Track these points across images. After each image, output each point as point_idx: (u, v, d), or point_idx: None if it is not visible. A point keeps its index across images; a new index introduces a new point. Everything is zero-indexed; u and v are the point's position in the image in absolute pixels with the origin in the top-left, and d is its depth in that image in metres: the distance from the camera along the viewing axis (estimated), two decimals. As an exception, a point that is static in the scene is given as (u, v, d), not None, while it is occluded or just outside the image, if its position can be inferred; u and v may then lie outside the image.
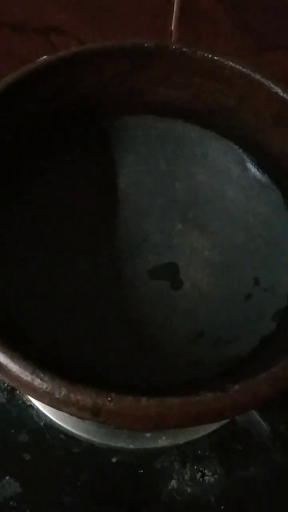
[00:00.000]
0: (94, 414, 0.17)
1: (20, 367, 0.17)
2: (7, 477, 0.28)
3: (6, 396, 0.29)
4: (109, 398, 0.17)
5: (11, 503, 0.27)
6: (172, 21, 0.41)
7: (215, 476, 0.28)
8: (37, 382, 0.17)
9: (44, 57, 0.25)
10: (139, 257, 0.28)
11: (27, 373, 0.17)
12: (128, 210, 0.30)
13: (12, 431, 0.29)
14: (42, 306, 0.24)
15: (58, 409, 0.17)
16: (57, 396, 0.17)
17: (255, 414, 0.24)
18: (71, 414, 0.17)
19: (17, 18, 0.44)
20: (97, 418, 0.17)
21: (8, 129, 0.25)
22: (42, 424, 0.29)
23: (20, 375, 0.17)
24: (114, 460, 0.28)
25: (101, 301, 0.26)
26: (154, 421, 0.17)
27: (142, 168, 0.30)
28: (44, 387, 0.17)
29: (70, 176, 0.29)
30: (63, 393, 0.17)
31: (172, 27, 0.42)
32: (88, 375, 0.21)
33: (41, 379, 0.17)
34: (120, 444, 0.28)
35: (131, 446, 0.28)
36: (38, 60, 0.25)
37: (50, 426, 0.29)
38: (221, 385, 0.17)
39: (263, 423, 0.24)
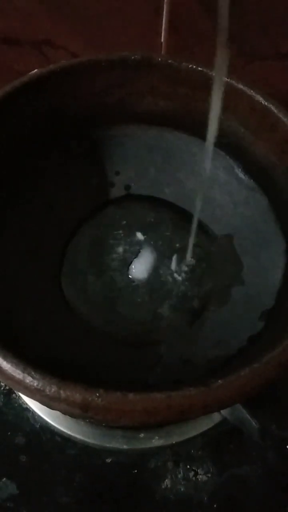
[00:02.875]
0: (83, 410, 0.18)
1: (12, 365, 0.18)
2: (4, 479, 0.28)
3: (2, 399, 0.30)
4: (97, 394, 0.18)
5: (8, 504, 0.28)
6: (161, 33, 0.43)
7: (208, 475, 0.29)
8: (28, 379, 0.18)
9: (35, 70, 0.26)
10: (138, 262, 0.29)
11: (19, 371, 0.18)
12: (120, 216, 0.31)
13: (9, 433, 0.29)
14: (38, 309, 0.25)
15: (49, 406, 0.18)
16: (47, 393, 0.18)
17: (244, 412, 0.25)
18: (61, 410, 0.18)
19: (10, 31, 0.45)
20: (86, 414, 0.18)
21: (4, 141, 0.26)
22: (38, 426, 0.30)
23: (12, 373, 0.18)
24: (108, 460, 0.29)
25: (94, 301, 0.27)
26: (141, 416, 0.18)
27: (133, 175, 0.32)
28: (35, 384, 0.18)
29: (62, 187, 0.29)
30: (53, 389, 0.18)
31: (162, 39, 0.43)
32: (79, 374, 0.22)
33: (32, 376, 0.18)
34: (114, 444, 0.29)
35: (125, 447, 0.29)
36: (29, 73, 0.26)
37: (46, 428, 0.29)
38: (205, 381, 0.18)
39: (252, 421, 0.25)
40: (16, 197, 0.27)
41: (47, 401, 0.18)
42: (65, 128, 0.29)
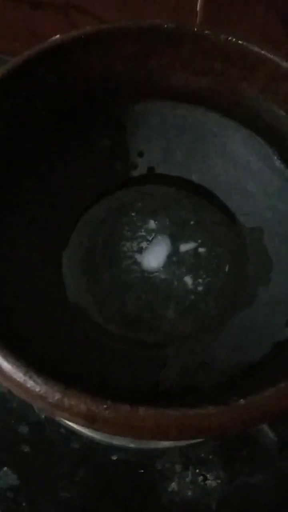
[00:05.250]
0: (88, 421, 0.16)
1: (13, 367, 0.17)
2: (5, 468, 0.27)
3: (7, 387, 0.29)
4: (105, 406, 0.16)
5: (7, 494, 0.27)
6: (197, 1, 0.39)
7: (218, 481, 0.27)
8: (30, 384, 0.16)
9: (56, 36, 0.24)
10: (152, 250, 0.27)
11: (20, 374, 0.17)
12: (141, 202, 0.29)
13: (12, 422, 0.28)
14: (44, 309, 0.23)
15: (52, 413, 0.17)
16: (50, 400, 0.16)
17: (263, 424, 0.23)
18: (65, 419, 0.16)
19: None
20: (92, 425, 0.16)
21: (19, 112, 0.24)
22: (43, 417, 0.28)
23: (13, 376, 0.17)
24: (114, 458, 0.28)
25: (103, 302, 0.25)
26: (151, 433, 0.16)
27: (158, 157, 0.29)
28: (37, 390, 0.16)
29: (81, 169, 0.27)
30: (56, 397, 0.16)
31: (198, 8, 0.40)
32: (83, 376, 0.20)
33: (34, 381, 0.16)
34: (121, 442, 0.28)
35: (131, 445, 0.28)
36: (51, 39, 0.24)
37: (51, 419, 0.28)
38: (225, 398, 0.16)
39: (270, 433, 0.23)
40: (30, 175, 0.25)
41: (49, 409, 0.16)
42: (85, 102, 0.27)
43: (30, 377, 0.16)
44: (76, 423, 0.16)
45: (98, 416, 0.16)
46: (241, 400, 0.16)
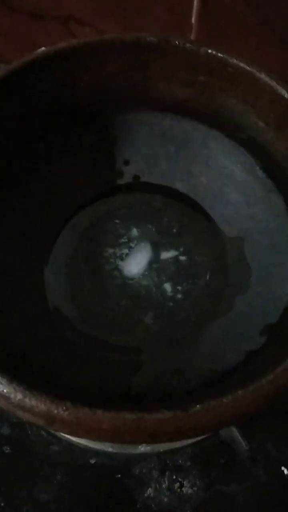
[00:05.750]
0: (48, 422, 0.17)
1: (-22, 367, 0.17)
2: (-14, 468, 0.28)
3: (-10, 388, 0.30)
4: (64, 407, 0.16)
5: (-13, 494, 0.27)
6: (192, 14, 0.40)
7: (194, 488, 0.27)
8: (-6, 384, 0.17)
9: (42, 48, 0.24)
10: (133, 257, 0.28)
11: (-15, 375, 0.17)
12: (126, 209, 0.29)
13: (-6, 423, 0.29)
14: (23, 311, 0.24)
15: (14, 413, 0.17)
16: (12, 401, 0.17)
17: (234, 430, 0.23)
18: (26, 419, 0.17)
19: (38, 6, 0.43)
20: (51, 426, 0.17)
21: (2, 120, 0.25)
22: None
23: (-22, 376, 0.17)
24: (92, 461, 0.28)
25: (82, 306, 0.26)
26: (108, 435, 0.16)
27: (143, 166, 0.30)
28: (0, 389, 0.17)
29: (67, 175, 0.28)
30: (18, 397, 0.17)
31: (193, 21, 0.40)
32: (55, 378, 0.20)
33: (-2, 381, 0.17)
34: (100, 446, 0.28)
35: (110, 449, 0.28)
36: (36, 51, 0.25)
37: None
38: (182, 404, 0.17)
39: (242, 441, 0.23)
40: (15, 181, 0.26)
41: (12, 408, 0.17)
42: (72, 112, 0.27)
43: (-6, 378, 0.17)
44: (37, 423, 0.17)
45: (57, 417, 0.16)
46: (198, 405, 0.16)
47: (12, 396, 0.17)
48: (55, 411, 0.16)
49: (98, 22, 0.44)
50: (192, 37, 0.41)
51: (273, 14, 0.37)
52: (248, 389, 0.17)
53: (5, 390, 0.17)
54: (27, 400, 0.17)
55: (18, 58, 0.25)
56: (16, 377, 0.17)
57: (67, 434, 0.17)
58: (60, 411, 0.16)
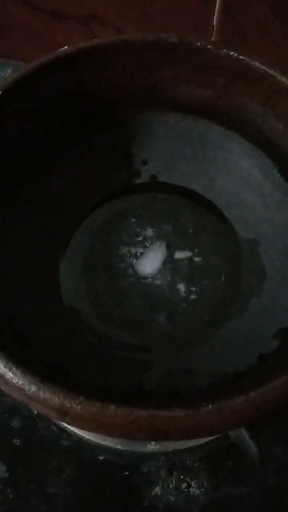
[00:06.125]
0: (61, 415, 0.17)
1: (-5, 358, 0.18)
2: (-4, 460, 0.28)
3: (3, 381, 0.30)
4: (77, 401, 0.17)
5: (-4, 485, 0.28)
6: (214, 15, 0.40)
7: (201, 489, 0.27)
8: (9, 375, 0.17)
9: (64, 47, 0.25)
10: (148, 256, 0.28)
11: (1, 366, 0.17)
12: (142, 208, 0.29)
13: (6, 415, 0.29)
14: (38, 308, 0.24)
15: (27, 404, 0.17)
16: (26, 392, 0.17)
17: (244, 432, 0.23)
18: (39, 411, 0.17)
19: (59, 5, 0.44)
20: (64, 419, 0.17)
21: (25, 118, 0.25)
22: (35, 412, 0.29)
23: (-6, 367, 0.17)
24: (101, 458, 0.28)
25: (96, 304, 0.26)
26: (119, 431, 0.16)
27: (160, 166, 0.30)
28: (15, 381, 0.17)
29: (85, 173, 0.28)
30: (32, 389, 0.17)
31: (214, 21, 0.40)
32: (68, 374, 0.21)
33: (13, 373, 0.17)
34: (109, 443, 0.28)
35: (119, 447, 0.28)
36: (58, 50, 0.25)
37: (43, 416, 0.29)
38: (194, 403, 0.17)
39: (251, 443, 0.23)
40: (32, 179, 0.27)
41: (26, 400, 0.17)
42: (92, 111, 0.28)
43: (10, 369, 0.17)
44: (50, 416, 0.17)
45: (70, 410, 0.17)
46: (210, 405, 0.16)
47: (27, 388, 0.17)
48: (68, 405, 0.17)
49: (119, 22, 0.44)
50: (213, 38, 0.41)
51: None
52: (261, 391, 0.17)
53: (19, 382, 0.17)
54: (41, 392, 0.17)
55: (40, 57, 0.26)
56: (30, 369, 0.17)
57: (79, 427, 0.17)
58: (73, 404, 0.17)
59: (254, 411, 0.17)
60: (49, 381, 0.17)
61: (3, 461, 0.28)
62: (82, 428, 0.17)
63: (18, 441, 0.29)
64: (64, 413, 0.17)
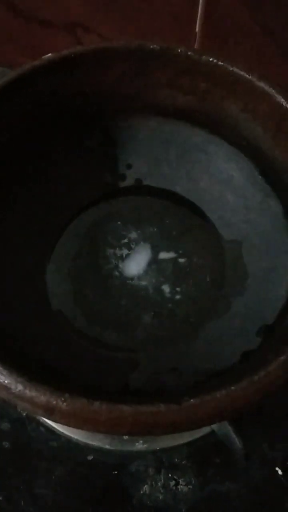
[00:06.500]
0: (47, 412, 0.17)
1: (-19, 358, 0.18)
2: (-15, 463, 0.28)
3: (-8, 384, 0.30)
4: (63, 398, 0.17)
5: (-15, 488, 0.28)
6: (196, 22, 0.41)
7: (189, 487, 0.28)
8: (-4, 375, 0.18)
9: (48, 54, 0.25)
10: (133, 258, 0.28)
11: (-13, 365, 0.18)
12: (127, 211, 0.30)
13: (-5, 418, 0.29)
14: (25, 308, 0.24)
15: (14, 403, 0.18)
16: (13, 391, 0.17)
17: (229, 429, 0.24)
18: (25, 410, 0.18)
19: (45, 13, 0.44)
20: (50, 417, 0.17)
21: (7, 127, 0.26)
22: (24, 415, 0.30)
23: (-20, 367, 0.18)
24: (90, 458, 0.29)
25: (82, 305, 0.26)
26: (104, 426, 0.17)
27: (145, 170, 0.30)
28: (1, 380, 0.18)
29: (70, 177, 0.29)
30: (19, 388, 0.17)
31: (197, 29, 0.41)
32: (54, 373, 0.21)
33: (0, 372, 0.18)
34: (97, 443, 0.28)
35: (107, 447, 0.28)
36: (43, 57, 0.26)
37: (32, 418, 0.29)
38: (177, 398, 0.17)
39: (236, 439, 0.23)
40: (18, 182, 0.27)
41: (12, 399, 0.18)
42: (76, 117, 0.28)
43: (-4, 369, 0.18)
44: (37, 414, 0.18)
45: (56, 407, 0.17)
46: (191, 400, 0.17)
47: (13, 387, 0.17)
48: (54, 402, 0.17)
49: (103, 29, 0.45)
50: (196, 45, 0.42)
51: (277, 24, 0.38)
52: (241, 385, 0.18)
53: (6, 381, 0.17)
54: (27, 391, 0.17)
55: (25, 64, 0.26)
56: (17, 369, 0.18)
57: (65, 424, 0.17)
58: (59, 402, 0.17)
59: (235, 404, 0.17)
60: (35, 380, 0.17)
61: (-8, 463, 0.28)
62: (68, 425, 0.17)
63: (7, 443, 0.29)
64: (50, 411, 0.17)
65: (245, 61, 0.28)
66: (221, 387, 0.18)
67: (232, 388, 0.17)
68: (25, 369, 0.18)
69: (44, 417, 0.17)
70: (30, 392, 0.17)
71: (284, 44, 0.39)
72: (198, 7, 0.40)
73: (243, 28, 0.40)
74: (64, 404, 0.17)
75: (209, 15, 0.40)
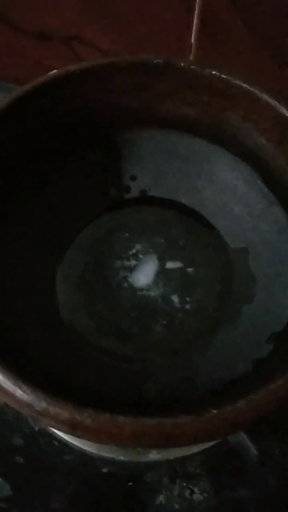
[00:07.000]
0: (71, 429, 0.17)
1: (3, 376, 0.18)
2: (-1, 479, 0.28)
3: (3, 399, 0.30)
4: (86, 414, 0.17)
5: (1, 505, 0.28)
6: (192, 33, 0.41)
7: (204, 495, 0.28)
8: (19, 393, 0.18)
9: (54, 71, 0.26)
10: (141, 269, 0.29)
11: (10, 383, 0.18)
12: (133, 222, 0.30)
13: (7, 433, 0.29)
14: (36, 322, 0.24)
15: (38, 420, 0.18)
16: (36, 409, 0.17)
17: (244, 437, 0.24)
18: (50, 426, 0.18)
19: (40, 26, 0.45)
20: (75, 433, 0.17)
21: (12, 142, 0.26)
22: (36, 429, 0.30)
23: (3, 385, 0.18)
24: (104, 470, 0.29)
25: (93, 317, 0.26)
26: (129, 440, 0.17)
27: (149, 181, 0.31)
28: (25, 398, 0.18)
29: (75, 190, 0.29)
30: (42, 405, 0.17)
31: (192, 40, 0.42)
32: (71, 386, 0.21)
33: (23, 390, 0.18)
34: (111, 454, 0.29)
35: (121, 458, 0.28)
36: (48, 73, 0.26)
37: (44, 432, 0.29)
38: (199, 409, 0.17)
39: (252, 446, 0.24)
40: (26, 196, 0.27)
41: (36, 416, 0.18)
42: (80, 130, 0.29)
43: (19, 387, 0.18)
44: (61, 430, 0.18)
45: (80, 423, 0.17)
46: (213, 410, 0.17)
47: (36, 404, 0.17)
48: (79, 418, 0.17)
49: (99, 41, 0.45)
50: (192, 56, 0.42)
51: (273, 34, 0.39)
52: (260, 394, 0.18)
53: (29, 399, 0.18)
54: (51, 407, 0.17)
55: (32, 80, 0.26)
56: (40, 386, 0.18)
57: (89, 440, 0.17)
58: (83, 418, 0.17)
59: (255, 413, 0.17)
60: (58, 396, 0.18)
61: (6, 479, 0.28)
62: (92, 441, 0.17)
63: (21, 458, 0.29)
64: (74, 427, 0.17)
65: (242, 71, 0.29)
66: (240, 396, 0.18)
67: (252, 397, 0.18)
68: (43, 384, 0.18)
69: (69, 433, 0.17)
70: (54, 409, 0.17)
71: (280, 53, 0.40)
72: (193, 18, 0.40)
73: (239, 38, 0.40)
74: (88, 419, 0.17)
75: (204, 26, 0.41)
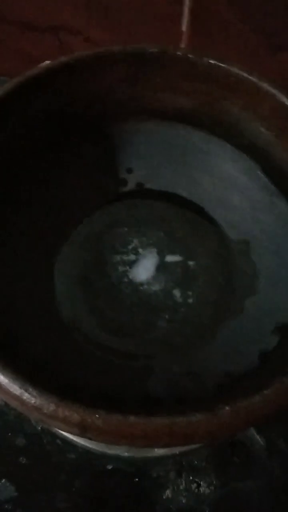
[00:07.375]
0: (82, 430, 0.17)
1: (10, 380, 0.17)
2: (3, 480, 0.28)
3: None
4: (97, 415, 0.17)
5: (6, 506, 0.27)
6: (183, 22, 0.41)
7: (211, 488, 0.28)
8: (26, 396, 0.17)
9: (46, 62, 0.25)
10: (141, 263, 0.28)
11: (16, 387, 0.17)
12: (130, 216, 0.30)
13: (9, 434, 0.29)
14: (37, 322, 0.24)
15: (47, 424, 0.17)
16: (45, 412, 0.17)
17: (251, 429, 0.24)
18: (60, 429, 0.17)
19: (28, 17, 0.43)
20: (85, 435, 0.17)
21: (10, 134, 0.25)
22: (39, 428, 0.29)
23: (9, 389, 0.17)
24: (109, 467, 0.28)
25: (94, 314, 0.26)
26: (141, 440, 0.17)
27: (146, 174, 0.30)
28: (32, 402, 0.17)
29: (71, 184, 0.28)
30: (51, 408, 0.17)
31: (183, 28, 0.41)
32: (77, 386, 0.21)
33: (30, 393, 0.17)
34: (116, 451, 0.28)
35: (126, 454, 0.28)
36: (40, 65, 0.25)
37: (47, 431, 0.29)
38: (212, 406, 0.17)
39: (259, 439, 0.24)
40: (23, 191, 0.26)
41: (45, 419, 0.17)
42: (76, 122, 0.28)
43: (26, 390, 0.17)
44: (71, 432, 0.17)
45: (91, 425, 0.17)
46: (227, 407, 0.17)
47: (45, 407, 0.17)
48: (89, 420, 0.17)
49: (87, 31, 0.44)
50: (183, 44, 0.42)
51: (265, 20, 0.38)
52: (272, 388, 0.18)
53: (37, 402, 0.17)
54: (60, 410, 0.17)
55: (24, 72, 0.25)
56: (47, 389, 0.17)
57: (101, 441, 0.17)
58: (93, 419, 0.17)
59: (269, 408, 0.17)
60: (66, 398, 0.17)
61: (11, 480, 0.28)
62: (104, 442, 0.17)
63: (24, 459, 0.28)
64: (85, 429, 0.17)
65: (233, 58, 0.28)
66: (251, 391, 0.18)
67: (265, 392, 0.17)
68: (51, 387, 0.18)
69: (79, 435, 0.17)
70: (63, 412, 0.17)
71: (272, 38, 0.39)
72: (183, 6, 0.40)
73: (230, 25, 0.40)
74: (100, 420, 0.17)
75: (195, 14, 0.40)
